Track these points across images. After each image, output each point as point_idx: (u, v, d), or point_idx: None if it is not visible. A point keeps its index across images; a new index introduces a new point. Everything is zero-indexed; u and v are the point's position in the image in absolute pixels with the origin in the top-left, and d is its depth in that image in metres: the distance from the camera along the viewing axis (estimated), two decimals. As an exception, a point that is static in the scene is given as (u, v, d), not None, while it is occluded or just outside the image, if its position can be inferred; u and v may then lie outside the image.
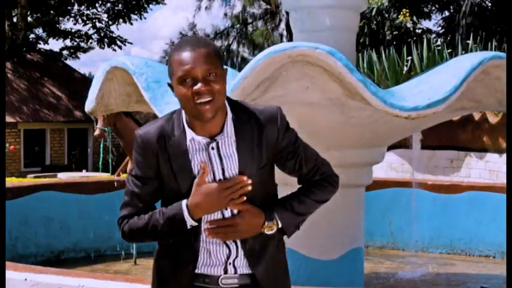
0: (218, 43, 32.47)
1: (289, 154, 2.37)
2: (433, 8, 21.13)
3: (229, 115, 2.30)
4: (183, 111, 2.31)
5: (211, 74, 2.21)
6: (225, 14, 32.34)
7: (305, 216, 2.39)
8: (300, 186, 2.44)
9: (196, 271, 2.34)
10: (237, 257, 2.33)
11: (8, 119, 20.72)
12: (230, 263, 2.33)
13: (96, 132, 10.15)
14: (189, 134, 2.30)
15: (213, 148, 2.28)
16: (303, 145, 2.42)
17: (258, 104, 2.42)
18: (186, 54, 2.21)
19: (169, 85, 2.31)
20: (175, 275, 2.37)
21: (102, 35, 27.10)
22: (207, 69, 2.20)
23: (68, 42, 27.59)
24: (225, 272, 2.33)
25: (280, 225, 2.31)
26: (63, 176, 14.76)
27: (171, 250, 2.38)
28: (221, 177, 2.29)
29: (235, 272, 2.33)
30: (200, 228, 2.31)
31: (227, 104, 2.31)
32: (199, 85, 2.20)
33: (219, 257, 2.33)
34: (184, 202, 2.27)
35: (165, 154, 2.30)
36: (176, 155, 2.30)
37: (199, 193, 2.25)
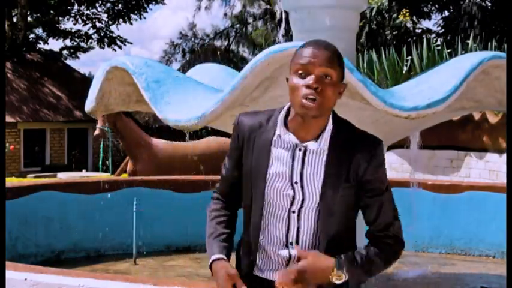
0: (218, 43, 32.50)
1: (370, 191, 2.31)
2: (433, 8, 21.14)
3: (329, 127, 2.28)
4: (283, 109, 2.32)
5: (327, 77, 2.21)
6: (225, 14, 32.36)
7: (368, 275, 2.29)
8: (367, 244, 2.37)
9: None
10: None
11: (8, 119, 20.72)
12: None
13: (96, 132, 10.16)
14: (279, 130, 2.29)
15: (300, 150, 2.26)
16: (389, 197, 2.37)
17: (365, 131, 2.36)
18: (312, 50, 2.22)
19: (287, 79, 2.29)
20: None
21: (102, 35, 27.10)
22: (324, 71, 2.20)
23: (67, 42, 27.62)
24: None
25: (346, 278, 2.21)
26: (63, 176, 14.77)
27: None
28: (298, 181, 2.27)
29: None
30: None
31: (331, 117, 2.29)
32: (312, 79, 2.19)
33: None
34: (214, 257, 2.30)
35: (250, 144, 2.31)
36: (259, 146, 2.29)
37: (219, 277, 2.25)
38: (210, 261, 2.29)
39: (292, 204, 2.28)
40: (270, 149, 2.28)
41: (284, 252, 2.30)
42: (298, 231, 2.29)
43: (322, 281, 2.18)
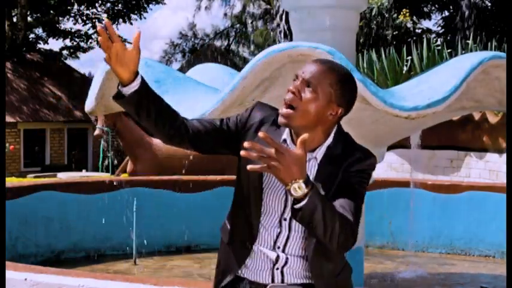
0: (218, 43, 32.50)
1: (344, 187, 2.24)
2: (433, 8, 21.15)
3: (328, 142, 2.29)
4: None
5: (310, 86, 2.21)
6: (225, 14, 32.40)
7: (323, 220, 2.09)
8: None
9: (241, 275, 2.36)
10: (285, 264, 2.31)
11: (8, 119, 20.72)
12: (278, 268, 2.32)
13: (96, 132, 10.16)
14: (286, 134, 2.31)
15: None
16: (359, 203, 2.23)
17: (364, 147, 2.35)
18: (314, 62, 2.26)
19: None
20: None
21: (102, 34, 27.07)
22: (308, 80, 2.21)
23: (67, 42, 27.61)
24: (272, 280, 2.32)
25: (304, 201, 2.05)
26: (63, 176, 14.76)
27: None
28: None
29: (283, 281, 2.32)
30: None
31: (333, 134, 2.30)
32: (293, 84, 2.22)
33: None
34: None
35: (255, 134, 2.28)
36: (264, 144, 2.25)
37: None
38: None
39: (284, 211, 2.30)
40: None
41: (272, 255, 2.31)
42: (288, 237, 2.30)
43: (282, 177, 2.03)
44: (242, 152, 2.00)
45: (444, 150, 10.71)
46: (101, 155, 12.64)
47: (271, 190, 2.30)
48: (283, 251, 2.29)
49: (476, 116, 10.10)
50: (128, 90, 2.32)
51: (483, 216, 6.92)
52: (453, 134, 10.42)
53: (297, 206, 2.06)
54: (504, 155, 9.75)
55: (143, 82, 2.32)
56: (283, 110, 2.22)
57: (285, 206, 2.29)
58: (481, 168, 10.32)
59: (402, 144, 8.37)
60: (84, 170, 19.64)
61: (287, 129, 2.31)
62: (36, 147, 22.45)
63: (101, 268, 6.41)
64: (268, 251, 2.30)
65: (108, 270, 6.32)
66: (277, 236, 2.30)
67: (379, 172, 9.88)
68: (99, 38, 2.24)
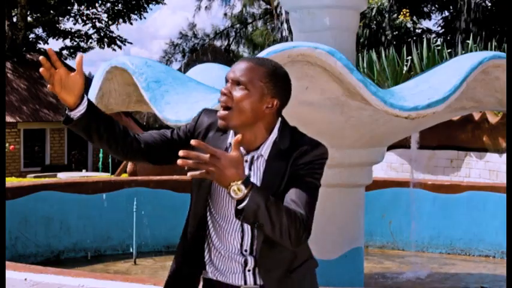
0: (218, 43, 32.50)
1: (297, 180, 2.23)
2: (433, 8, 21.14)
3: (273, 136, 2.29)
4: None
5: (240, 84, 2.23)
6: (225, 14, 32.38)
7: (268, 218, 2.08)
8: None
9: (210, 277, 2.37)
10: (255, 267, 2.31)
11: (8, 118, 20.72)
12: (250, 270, 2.32)
13: (96, 132, 10.16)
14: (230, 138, 2.32)
15: (246, 161, 2.27)
16: (314, 195, 2.22)
17: (313, 139, 2.31)
18: (239, 62, 2.29)
19: None
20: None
21: (102, 34, 27.12)
22: (237, 77, 2.24)
23: (68, 42, 27.64)
24: (245, 282, 2.33)
25: (245, 202, 2.05)
26: (63, 176, 14.76)
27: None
28: None
29: (255, 283, 2.32)
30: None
31: (277, 127, 2.30)
32: (224, 86, 2.25)
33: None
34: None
35: (203, 138, 2.34)
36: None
37: None
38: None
39: None
40: None
41: (240, 259, 2.32)
42: (252, 239, 2.30)
43: (221, 180, 2.04)
44: (179, 161, 2.01)
45: (444, 150, 10.71)
46: (101, 155, 12.64)
47: (225, 195, 2.31)
48: (250, 254, 2.31)
49: (476, 116, 10.10)
50: (76, 114, 2.34)
51: (483, 216, 6.91)
52: (453, 134, 10.42)
53: (239, 206, 2.06)
54: (504, 155, 9.75)
55: (90, 104, 2.35)
56: (220, 113, 2.25)
57: None
58: (481, 168, 10.32)
59: (402, 144, 8.37)
60: (84, 170, 19.65)
61: (232, 133, 2.32)
62: (36, 147, 22.46)
63: (101, 268, 6.41)
64: (237, 255, 2.32)
65: (108, 270, 6.32)
66: (242, 239, 2.31)
67: (379, 172, 9.90)
68: (41, 69, 2.28)
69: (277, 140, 2.29)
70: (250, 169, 2.28)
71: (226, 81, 2.27)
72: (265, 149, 2.28)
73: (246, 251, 2.31)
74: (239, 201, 2.07)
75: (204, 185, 2.33)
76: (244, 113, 2.24)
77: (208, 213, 2.36)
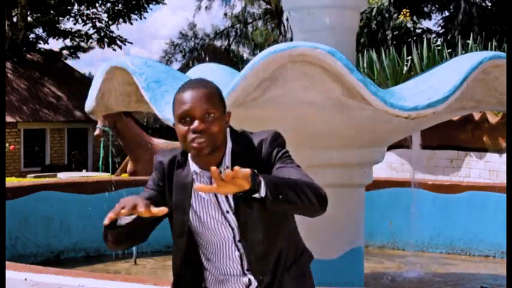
0: (218, 43, 32.50)
1: (277, 162, 2.30)
2: (433, 8, 21.15)
3: (229, 146, 2.33)
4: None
5: (209, 114, 2.24)
6: (225, 14, 32.37)
7: (288, 187, 2.13)
8: None
9: None
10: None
11: (8, 118, 20.72)
12: None
13: (96, 132, 10.16)
14: (192, 166, 2.33)
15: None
16: (299, 168, 2.29)
17: (260, 132, 2.37)
18: (187, 94, 2.26)
19: (173, 125, 2.34)
20: None
21: (102, 34, 27.10)
22: (205, 109, 2.24)
23: (68, 42, 27.63)
24: None
25: (262, 183, 2.07)
26: (63, 176, 14.75)
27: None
28: (228, 209, 2.31)
29: None
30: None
31: (228, 135, 2.33)
32: (196, 123, 2.23)
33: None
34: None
35: (171, 181, 2.37)
36: (179, 186, 2.34)
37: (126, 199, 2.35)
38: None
39: (234, 234, 2.33)
40: (190, 187, 2.33)
41: (244, 280, 2.34)
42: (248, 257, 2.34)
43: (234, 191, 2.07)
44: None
45: (444, 150, 10.71)
46: (101, 155, 12.63)
47: (211, 222, 2.33)
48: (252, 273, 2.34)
49: (476, 116, 10.10)
50: (126, 220, 2.42)
51: (483, 216, 6.91)
52: (453, 134, 10.41)
53: (261, 191, 2.06)
54: (504, 155, 9.74)
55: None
56: (198, 146, 2.23)
57: (232, 229, 2.32)
58: (481, 168, 10.31)
59: (402, 144, 8.38)
60: (84, 170, 19.64)
61: (191, 162, 2.34)
62: (36, 147, 22.45)
63: (101, 268, 6.41)
64: (239, 277, 2.35)
65: (108, 270, 6.32)
66: (241, 259, 2.33)
67: (379, 172, 9.89)
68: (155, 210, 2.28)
69: (234, 147, 2.32)
70: None
71: (187, 117, 2.24)
72: (227, 160, 2.31)
73: (248, 270, 2.33)
74: (253, 191, 2.06)
75: (182, 231, 2.43)
76: (218, 138, 2.27)
77: (197, 248, 2.42)
